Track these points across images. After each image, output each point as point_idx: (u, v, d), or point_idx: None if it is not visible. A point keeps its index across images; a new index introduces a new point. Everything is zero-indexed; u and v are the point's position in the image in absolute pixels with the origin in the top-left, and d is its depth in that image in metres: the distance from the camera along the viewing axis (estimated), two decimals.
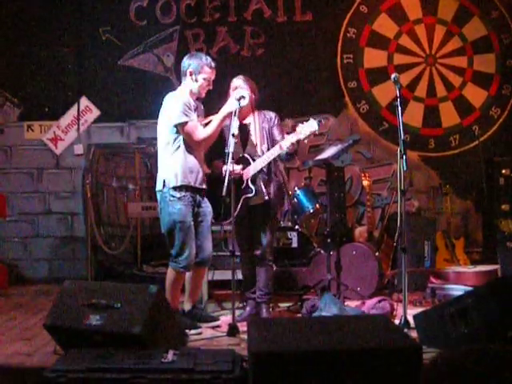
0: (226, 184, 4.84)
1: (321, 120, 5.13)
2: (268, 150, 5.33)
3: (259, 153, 5.36)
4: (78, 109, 8.04)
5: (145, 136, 7.91)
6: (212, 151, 5.33)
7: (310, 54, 8.03)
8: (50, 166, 8.11)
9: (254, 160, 5.30)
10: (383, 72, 7.94)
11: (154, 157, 7.55)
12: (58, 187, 8.09)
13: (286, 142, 5.15)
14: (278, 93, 7.75)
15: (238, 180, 5.20)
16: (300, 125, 5.12)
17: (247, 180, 5.29)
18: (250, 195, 5.29)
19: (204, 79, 5.13)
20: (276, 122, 5.51)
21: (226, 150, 4.91)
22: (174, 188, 5.00)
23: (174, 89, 5.35)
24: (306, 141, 5.21)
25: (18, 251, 8.05)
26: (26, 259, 8.05)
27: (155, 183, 5.20)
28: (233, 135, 4.90)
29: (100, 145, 7.94)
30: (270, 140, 5.42)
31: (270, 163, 5.34)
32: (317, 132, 5.13)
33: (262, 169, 5.31)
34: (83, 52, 8.07)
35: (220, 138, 5.26)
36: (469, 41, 7.99)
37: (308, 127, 5.07)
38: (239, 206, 5.26)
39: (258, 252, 5.45)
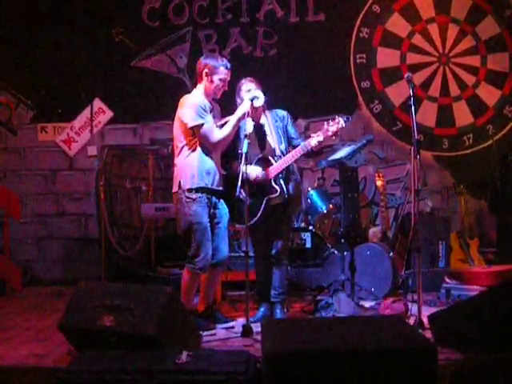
0: (239, 185, 4.86)
1: (348, 117, 5.10)
2: (286, 149, 5.32)
3: (278, 152, 5.31)
4: (92, 110, 8.06)
5: (158, 137, 7.91)
6: (228, 152, 5.32)
7: (322, 55, 8.00)
8: (63, 168, 8.14)
9: (275, 160, 5.27)
10: (396, 72, 7.91)
11: (167, 158, 7.60)
12: (71, 188, 8.11)
13: (313, 141, 5.08)
14: (290, 93, 7.71)
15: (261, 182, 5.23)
16: (325, 123, 5.08)
17: (271, 180, 5.27)
18: (275, 195, 5.25)
19: (220, 80, 5.13)
20: (289, 120, 5.48)
21: (239, 151, 4.91)
22: (190, 190, 5.01)
23: (187, 90, 5.35)
24: (334, 137, 5.21)
25: (32, 252, 8.08)
26: (39, 260, 8.07)
27: (169, 184, 5.19)
28: (245, 136, 4.90)
29: (113, 146, 7.95)
30: (286, 139, 5.39)
31: None
32: (344, 125, 5.08)
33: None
34: (96, 53, 8.08)
35: (236, 138, 5.24)
36: (482, 40, 7.95)
37: (335, 125, 5.03)
38: (262, 207, 5.21)
39: (273, 252, 5.43)
